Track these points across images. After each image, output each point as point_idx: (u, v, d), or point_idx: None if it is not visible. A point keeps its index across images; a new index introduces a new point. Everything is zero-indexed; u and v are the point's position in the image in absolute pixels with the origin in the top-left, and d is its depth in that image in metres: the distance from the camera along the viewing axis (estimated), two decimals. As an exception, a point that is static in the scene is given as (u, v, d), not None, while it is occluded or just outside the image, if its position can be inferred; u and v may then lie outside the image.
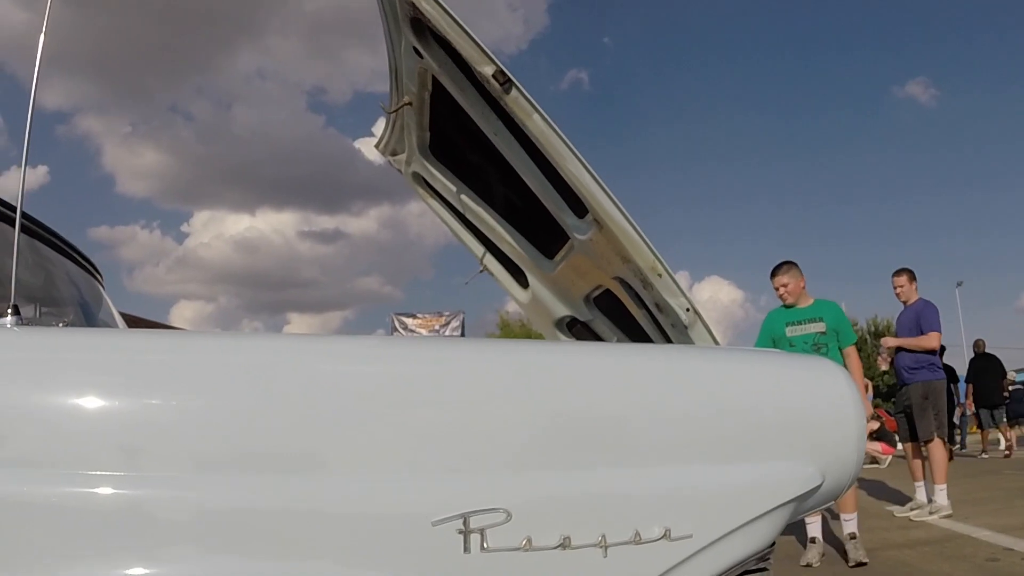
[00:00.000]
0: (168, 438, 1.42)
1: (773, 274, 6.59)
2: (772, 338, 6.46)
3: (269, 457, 1.45)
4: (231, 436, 1.45)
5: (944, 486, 7.82)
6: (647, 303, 2.83)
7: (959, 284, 47.93)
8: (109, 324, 2.92)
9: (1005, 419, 18.55)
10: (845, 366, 5.44)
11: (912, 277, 8.19)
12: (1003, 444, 18.22)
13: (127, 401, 1.45)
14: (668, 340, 2.90)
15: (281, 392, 1.52)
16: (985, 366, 16.35)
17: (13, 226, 1.75)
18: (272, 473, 1.44)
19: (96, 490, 1.36)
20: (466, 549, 1.45)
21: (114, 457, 1.39)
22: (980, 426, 18.26)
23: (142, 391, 1.47)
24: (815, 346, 6.31)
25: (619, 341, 3.58)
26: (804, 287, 6.55)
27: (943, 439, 7.82)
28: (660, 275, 2.56)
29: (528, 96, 2.37)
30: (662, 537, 1.58)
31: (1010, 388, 20.54)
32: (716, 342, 2.70)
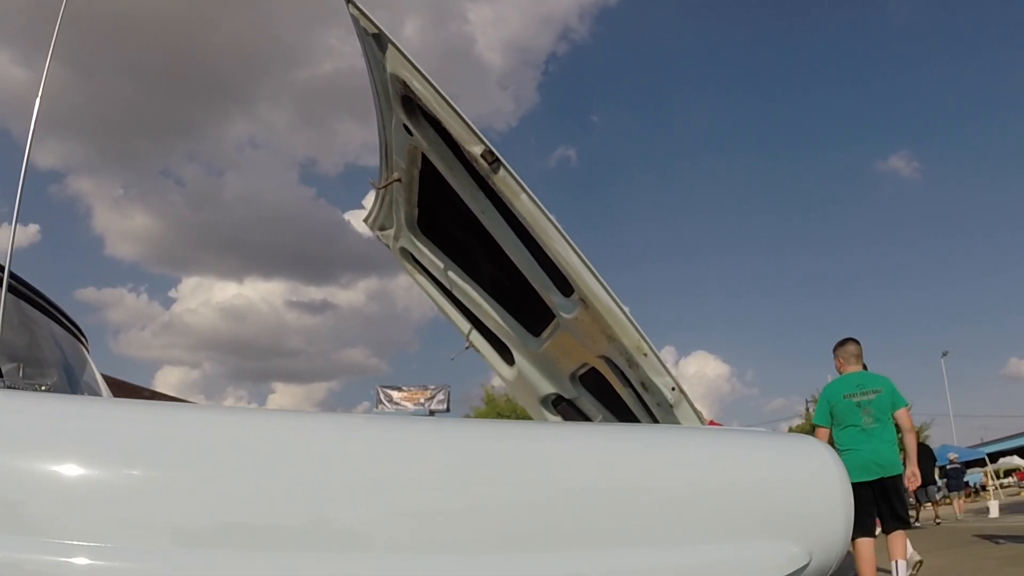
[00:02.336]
0: (146, 510, 1.40)
1: None
2: None
3: (250, 532, 1.43)
4: (211, 509, 1.44)
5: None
6: (632, 382, 2.82)
7: (944, 354, 48.03)
8: (93, 388, 2.90)
9: (937, 497, 20.84)
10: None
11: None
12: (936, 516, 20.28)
13: (107, 471, 1.44)
14: (654, 418, 2.89)
15: (265, 468, 1.50)
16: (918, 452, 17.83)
17: None
18: (252, 549, 1.42)
19: (71, 559, 1.33)
20: None
21: (90, 527, 1.37)
22: (917, 501, 20.42)
23: (123, 461, 1.45)
24: None
25: (605, 419, 3.56)
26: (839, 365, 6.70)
27: None
28: (646, 354, 2.56)
29: (516, 176, 2.40)
30: (646, 620, 1.56)
31: (949, 467, 23.67)
32: (701, 420, 2.70)
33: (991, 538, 12.21)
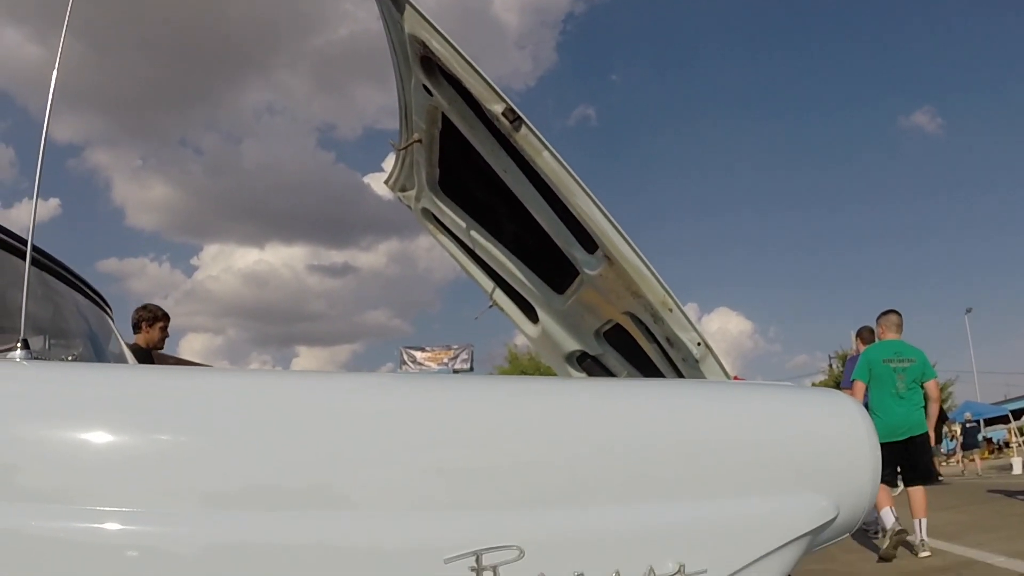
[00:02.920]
0: (176, 474, 1.42)
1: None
2: None
3: (279, 494, 1.45)
4: (240, 472, 1.45)
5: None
6: (658, 337, 2.82)
7: (968, 311, 47.63)
8: (118, 357, 2.92)
9: (944, 453, 23.34)
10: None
11: (861, 338, 8.68)
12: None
13: (135, 436, 1.45)
14: (679, 374, 2.89)
15: (292, 429, 1.51)
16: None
17: (23, 259, 1.75)
18: (281, 510, 1.43)
19: (103, 525, 1.35)
20: None
21: (122, 492, 1.38)
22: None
23: (150, 427, 1.47)
24: None
25: (630, 375, 3.56)
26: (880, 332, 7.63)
27: None
28: (671, 309, 2.55)
29: (538, 133, 2.38)
30: (676, 573, 1.57)
31: (967, 426, 26.57)
32: (727, 376, 2.70)
33: (1012, 495, 12.21)
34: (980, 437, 29.06)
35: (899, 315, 7.48)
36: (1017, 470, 20.13)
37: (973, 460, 26.43)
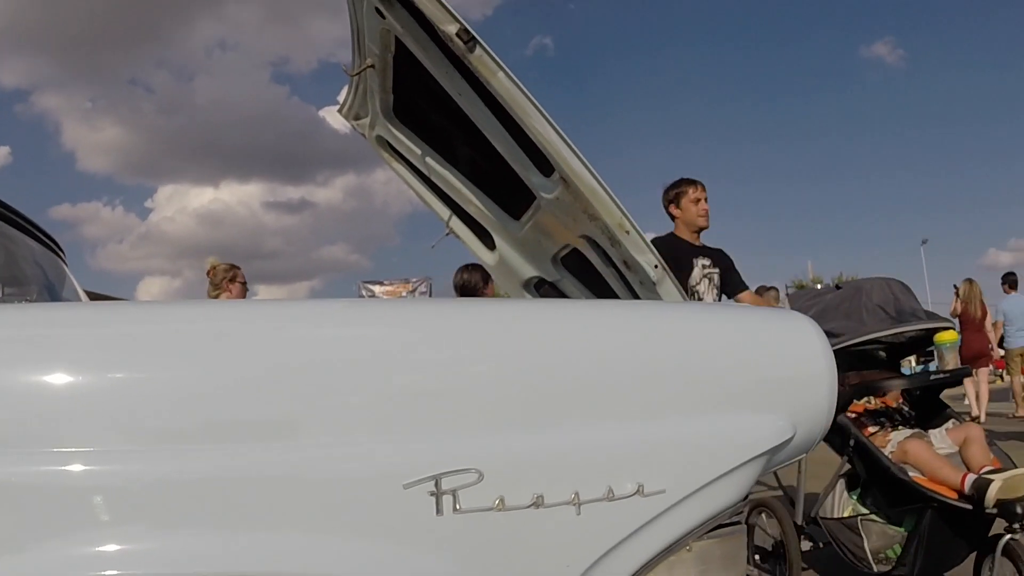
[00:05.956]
0: (135, 411, 1.40)
1: None
2: None
3: (237, 425, 1.43)
4: (198, 406, 1.43)
5: None
6: (615, 261, 2.81)
7: (924, 242, 48.41)
8: (73, 301, 2.87)
9: None
10: None
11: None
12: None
13: (92, 376, 1.42)
14: (636, 298, 2.89)
15: (247, 359, 1.49)
16: None
17: None
18: (240, 441, 1.42)
19: (66, 468, 1.33)
20: (439, 511, 1.44)
21: (82, 433, 1.36)
22: None
23: (107, 365, 1.44)
24: None
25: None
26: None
27: None
28: (628, 231, 2.53)
29: (493, 54, 2.33)
30: (635, 493, 1.58)
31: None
32: (684, 298, 2.70)
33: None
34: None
35: (777, 289, 9.71)
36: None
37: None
